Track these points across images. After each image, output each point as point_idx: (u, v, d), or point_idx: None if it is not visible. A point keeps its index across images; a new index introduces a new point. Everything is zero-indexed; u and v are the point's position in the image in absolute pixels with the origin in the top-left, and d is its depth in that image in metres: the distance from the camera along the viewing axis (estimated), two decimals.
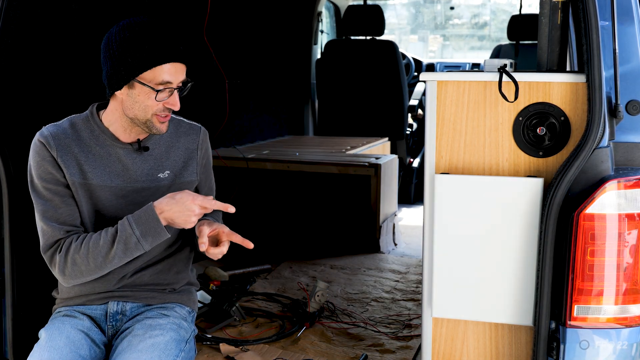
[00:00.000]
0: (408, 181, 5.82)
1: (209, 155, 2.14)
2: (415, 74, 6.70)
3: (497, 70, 1.93)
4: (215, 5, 3.79)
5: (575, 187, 1.81)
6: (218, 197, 2.03)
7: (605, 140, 1.82)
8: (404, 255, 4.23)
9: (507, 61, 1.96)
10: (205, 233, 1.86)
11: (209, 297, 3.15)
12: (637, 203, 1.79)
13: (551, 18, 1.98)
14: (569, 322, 1.82)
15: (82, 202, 1.93)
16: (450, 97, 2.00)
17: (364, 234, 4.25)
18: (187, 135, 2.07)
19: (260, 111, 5.41)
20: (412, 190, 5.83)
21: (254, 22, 5.14)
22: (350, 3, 6.11)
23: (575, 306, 1.81)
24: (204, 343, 2.82)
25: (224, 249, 1.88)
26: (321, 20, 6.03)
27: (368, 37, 5.61)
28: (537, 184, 1.89)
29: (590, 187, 1.80)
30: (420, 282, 3.12)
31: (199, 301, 2.97)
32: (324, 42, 5.93)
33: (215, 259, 1.90)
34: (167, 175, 2.01)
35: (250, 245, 1.87)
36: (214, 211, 2.13)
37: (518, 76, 1.90)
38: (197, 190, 2.11)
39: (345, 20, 5.63)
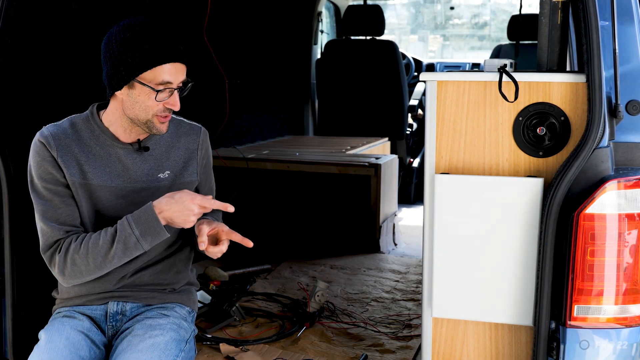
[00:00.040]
0: (408, 181, 5.82)
1: (209, 156, 2.14)
2: (415, 74, 6.70)
3: (497, 70, 1.93)
4: (215, 5, 3.79)
5: (575, 187, 1.81)
6: (218, 197, 2.03)
7: (605, 140, 1.82)
8: (404, 255, 4.23)
9: (507, 61, 1.96)
10: (204, 232, 1.86)
11: (209, 297, 3.15)
12: (637, 203, 1.79)
13: (551, 18, 1.98)
14: (569, 322, 1.82)
15: (82, 202, 1.93)
16: (450, 97, 2.00)
17: (364, 234, 4.25)
18: (188, 136, 2.07)
19: (260, 111, 5.41)
20: (412, 190, 5.83)
21: (254, 22, 5.14)
22: (350, 3, 6.11)
23: (575, 306, 1.81)
24: (204, 343, 2.82)
25: (223, 247, 1.88)
26: (321, 20, 6.03)
27: (368, 37, 5.61)
28: (537, 184, 1.89)
29: (590, 187, 1.80)
30: (420, 282, 3.12)
31: (199, 301, 2.97)
32: (324, 42, 5.93)
33: (215, 257, 1.90)
34: (167, 175, 2.01)
35: (249, 243, 1.87)
36: (214, 211, 2.13)
37: (518, 76, 1.90)
38: (197, 191, 2.11)
39: (345, 20, 5.63)
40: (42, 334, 1.93)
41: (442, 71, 6.39)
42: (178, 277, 2.10)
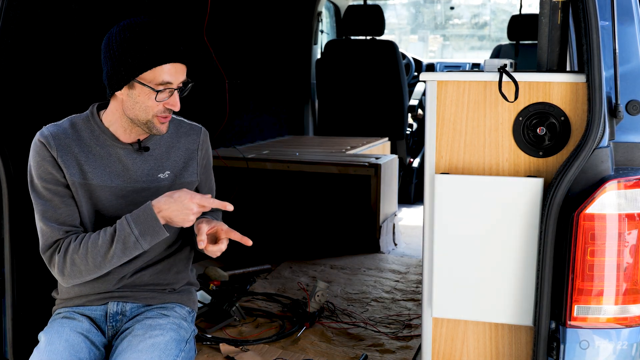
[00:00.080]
0: (408, 181, 5.82)
1: (210, 156, 2.14)
2: (415, 74, 6.70)
3: (497, 70, 1.93)
4: (215, 5, 3.79)
5: (575, 187, 1.81)
6: (218, 197, 2.02)
7: (605, 140, 1.82)
8: (404, 255, 4.23)
9: (507, 61, 1.96)
10: (203, 231, 1.86)
11: (209, 297, 3.15)
12: (637, 203, 1.79)
13: (551, 18, 1.98)
14: (569, 322, 1.82)
15: (82, 202, 1.93)
16: (450, 97, 2.00)
17: (364, 234, 4.25)
18: (188, 136, 2.07)
19: (260, 111, 5.41)
20: (412, 190, 5.83)
21: (254, 22, 5.14)
22: (350, 3, 6.11)
23: (575, 306, 1.81)
24: (204, 343, 2.82)
25: (222, 246, 1.88)
26: (321, 20, 6.03)
27: (368, 37, 5.61)
28: (537, 184, 1.89)
29: (590, 187, 1.80)
30: (420, 282, 3.12)
31: (199, 301, 2.97)
32: (324, 42, 5.93)
33: (214, 256, 1.90)
34: (167, 175, 2.01)
35: (248, 242, 1.87)
36: (214, 210, 2.13)
37: (518, 76, 1.90)
38: (197, 191, 2.11)
39: (345, 20, 5.63)
40: (41, 336, 1.93)
41: (442, 71, 6.39)
42: (178, 277, 2.10)
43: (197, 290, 2.30)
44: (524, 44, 5.49)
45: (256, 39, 5.19)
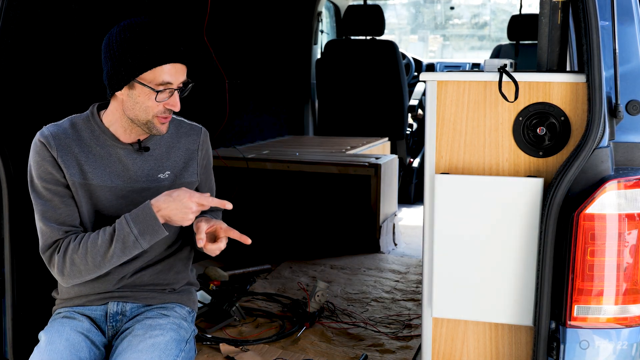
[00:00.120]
0: (408, 181, 5.82)
1: (210, 156, 2.14)
2: (415, 74, 6.70)
3: (497, 70, 1.93)
4: (215, 5, 3.79)
5: (575, 187, 1.81)
6: (218, 197, 2.02)
7: (605, 140, 1.82)
8: (404, 255, 4.23)
9: (507, 61, 1.96)
10: (203, 229, 1.86)
11: (209, 297, 3.15)
12: (637, 203, 1.79)
13: (551, 18, 1.98)
14: (569, 322, 1.82)
15: (82, 202, 1.93)
16: (450, 97, 2.00)
17: (364, 234, 4.25)
18: (188, 136, 2.07)
19: (260, 111, 5.41)
20: (412, 190, 5.83)
21: (254, 22, 5.14)
22: (350, 3, 6.11)
23: (575, 306, 1.81)
24: (204, 343, 2.82)
25: (221, 244, 1.88)
26: (321, 20, 6.03)
27: (368, 37, 5.61)
28: (537, 184, 1.89)
29: (590, 187, 1.80)
30: (420, 282, 3.12)
31: (199, 301, 2.97)
32: (324, 42, 5.93)
33: (213, 255, 1.90)
34: (167, 175, 2.01)
35: (247, 240, 1.87)
36: (214, 211, 2.13)
37: (518, 76, 1.90)
38: (197, 191, 2.11)
39: (345, 20, 5.63)
40: (42, 335, 1.93)
41: (442, 71, 6.39)
42: (178, 277, 2.10)
43: (197, 290, 2.30)
44: (524, 44, 5.49)
45: (256, 39, 5.19)
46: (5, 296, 2.31)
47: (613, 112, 1.83)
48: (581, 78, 1.87)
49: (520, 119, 1.94)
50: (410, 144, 6.18)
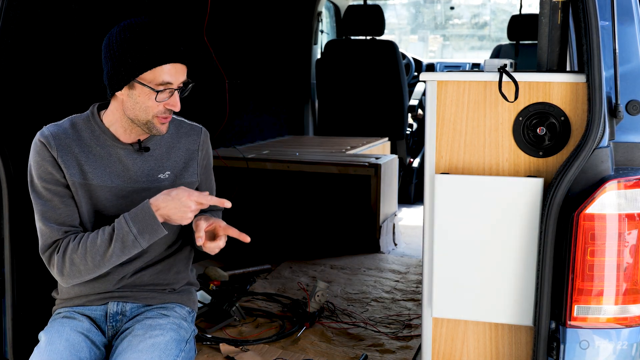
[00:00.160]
0: (408, 181, 5.82)
1: (210, 156, 2.14)
2: (415, 74, 6.70)
3: (497, 70, 1.93)
4: (215, 5, 3.79)
5: (575, 187, 1.81)
6: (217, 197, 2.03)
7: (605, 140, 1.82)
8: (404, 255, 4.23)
9: (507, 61, 1.96)
10: (202, 227, 1.86)
11: (209, 297, 3.15)
12: (637, 203, 1.79)
13: (551, 18, 1.98)
14: (569, 322, 1.82)
15: (82, 202, 1.93)
16: (450, 97, 2.00)
17: (364, 234, 4.25)
18: (188, 136, 2.07)
19: (260, 111, 5.41)
20: (412, 190, 5.83)
21: (254, 22, 5.14)
22: (350, 3, 6.11)
23: (575, 306, 1.81)
24: (204, 343, 2.82)
25: (220, 243, 1.88)
26: (321, 20, 6.03)
27: (368, 37, 5.61)
28: (537, 184, 1.89)
29: (590, 187, 1.80)
30: (420, 282, 3.12)
31: (199, 301, 2.97)
32: (324, 42, 5.93)
33: (213, 253, 1.90)
34: (167, 176, 2.01)
35: (247, 239, 1.87)
36: (214, 211, 2.13)
37: (518, 76, 1.90)
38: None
39: (345, 20, 5.63)
40: (42, 335, 1.93)
41: (442, 71, 6.39)
42: (178, 277, 2.10)
43: (197, 290, 2.30)
44: (524, 44, 5.49)
45: (256, 39, 5.19)
46: (5, 296, 2.31)
47: (613, 112, 1.83)
48: (581, 78, 1.87)
49: (520, 119, 1.94)
50: (410, 144, 6.18)
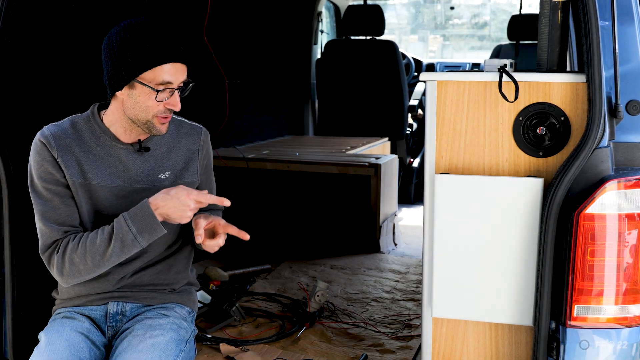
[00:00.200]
0: (408, 181, 5.82)
1: (210, 156, 2.14)
2: (415, 74, 6.70)
3: (497, 70, 1.93)
4: (215, 5, 3.79)
5: (575, 187, 1.81)
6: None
7: (605, 140, 1.82)
8: (404, 255, 4.23)
9: (507, 61, 1.96)
10: (201, 225, 1.86)
11: (209, 297, 3.15)
12: (637, 203, 1.79)
13: (551, 18, 1.98)
14: (569, 322, 1.82)
15: (82, 202, 1.93)
16: (450, 97, 2.00)
17: (364, 234, 4.25)
18: (189, 136, 2.07)
19: (260, 111, 5.41)
20: (412, 190, 5.83)
21: (254, 22, 5.14)
22: (350, 3, 6.11)
23: (575, 306, 1.81)
24: (204, 343, 2.82)
25: (220, 241, 1.88)
26: (321, 20, 6.03)
27: (368, 37, 5.61)
28: (537, 184, 1.89)
29: (590, 187, 1.80)
30: (420, 282, 3.12)
31: (199, 301, 2.97)
32: (324, 42, 5.93)
33: (212, 251, 1.90)
34: (167, 176, 2.01)
35: (246, 236, 1.87)
36: (215, 211, 2.13)
37: (518, 76, 1.90)
38: None
39: (345, 20, 5.63)
40: (42, 336, 1.93)
41: (442, 71, 6.39)
42: (178, 277, 2.10)
43: (197, 290, 2.30)
44: (524, 44, 5.49)
45: (256, 39, 5.19)
46: (5, 296, 2.31)
47: (613, 112, 1.83)
48: (581, 78, 1.87)
49: (520, 119, 1.94)
50: (410, 144, 6.18)
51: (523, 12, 5.80)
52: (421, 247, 2.18)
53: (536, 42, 2.07)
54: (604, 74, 1.78)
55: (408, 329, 3.06)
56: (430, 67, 6.95)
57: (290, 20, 5.74)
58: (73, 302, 2.02)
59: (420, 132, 6.20)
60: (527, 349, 2.01)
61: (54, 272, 1.91)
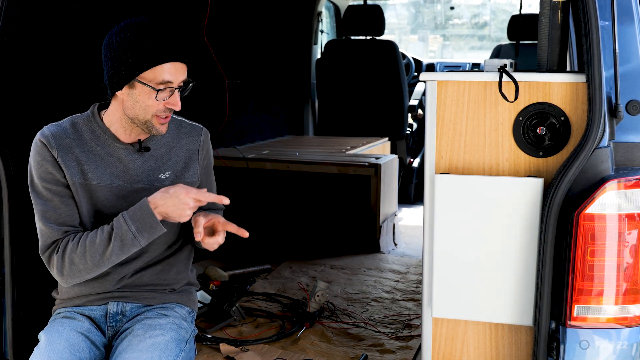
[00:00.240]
0: (408, 181, 5.82)
1: (210, 156, 2.14)
2: (415, 74, 6.70)
3: (497, 70, 1.93)
4: (215, 5, 3.79)
5: (575, 187, 1.81)
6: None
7: (605, 140, 1.82)
8: (404, 255, 4.23)
9: (507, 61, 1.96)
10: (201, 223, 1.86)
11: (209, 297, 3.15)
12: (637, 203, 1.79)
13: (551, 18, 1.98)
14: (569, 322, 1.82)
15: (82, 202, 1.93)
16: (450, 97, 2.00)
17: (364, 234, 4.25)
18: (189, 136, 2.07)
19: (260, 111, 5.41)
20: (412, 190, 5.83)
21: (254, 22, 5.14)
22: (350, 3, 6.11)
23: (575, 306, 1.81)
24: (204, 343, 2.82)
25: (219, 238, 1.89)
26: (321, 20, 6.03)
27: (368, 37, 5.61)
28: (537, 184, 1.89)
29: (590, 187, 1.80)
30: (420, 282, 3.12)
31: (199, 301, 2.97)
32: (324, 42, 5.93)
33: (211, 249, 1.90)
34: (167, 176, 2.01)
35: (245, 234, 1.87)
36: (215, 209, 2.13)
37: (518, 76, 1.90)
38: None
39: (345, 20, 5.63)
40: (41, 336, 1.93)
41: (442, 71, 6.39)
42: (178, 277, 2.10)
43: (197, 290, 2.30)
44: (524, 44, 5.49)
45: (256, 39, 5.19)
46: (5, 296, 2.31)
47: (613, 112, 1.83)
48: (581, 78, 1.87)
49: (520, 119, 1.94)
50: (410, 144, 6.18)
51: (523, 12, 5.80)
52: (421, 247, 2.18)
53: (536, 42, 2.07)
54: (604, 74, 1.78)
55: (408, 329, 3.06)
56: (430, 67, 6.95)
57: (290, 20, 5.74)
58: (73, 302, 2.02)
59: (420, 132, 6.20)
60: (527, 349, 2.01)
61: (54, 272, 1.91)
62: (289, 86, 5.84)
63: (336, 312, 3.21)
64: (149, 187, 1.98)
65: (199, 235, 1.84)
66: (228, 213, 2.14)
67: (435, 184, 1.99)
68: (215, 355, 2.73)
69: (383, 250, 4.25)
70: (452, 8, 9.28)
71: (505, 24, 6.07)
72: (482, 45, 10.01)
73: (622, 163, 1.87)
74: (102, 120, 1.96)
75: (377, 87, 5.56)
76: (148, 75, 1.83)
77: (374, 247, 4.24)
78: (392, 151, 5.57)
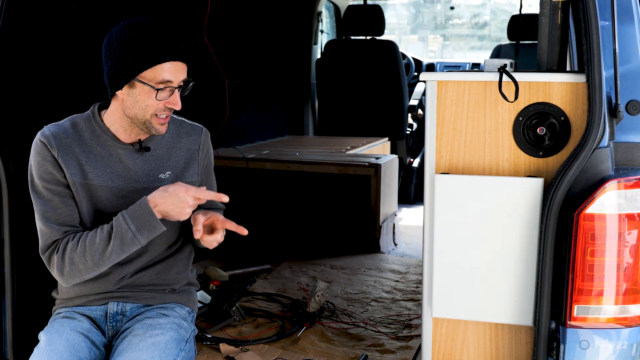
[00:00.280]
0: (408, 181, 5.82)
1: (211, 156, 2.14)
2: (415, 74, 6.70)
3: (497, 70, 1.93)
4: (215, 5, 3.79)
5: (575, 187, 1.81)
6: None
7: (605, 140, 1.82)
8: (404, 255, 4.23)
9: (507, 61, 1.96)
10: (200, 221, 1.86)
11: (209, 297, 3.15)
12: (637, 203, 1.79)
13: (551, 18, 1.98)
14: (569, 322, 1.82)
15: (82, 202, 1.93)
16: (450, 97, 2.00)
17: (364, 234, 4.25)
18: (189, 136, 2.07)
19: (260, 111, 5.41)
20: (412, 190, 5.83)
21: (254, 22, 5.14)
22: (350, 3, 6.11)
23: (575, 306, 1.81)
24: (204, 343, 2.82)
25: (218, 236, 1.89)
26: (321, 20, 6.03)
27: (368, 37, 5.61)
28: (537, 184, 1.89)
29: (590, 187, 1.80)
30: (420, 282, 3.12)
31: (199, 301, 2.97)
32: (324, 42, 5.93)
33: (211, 247, 1.90)
34: (168, 175, 2.01)
35: (244, 231, 1.87)
36: (215, 209, 2.13)
37: (518, 76, 1.90)
38: None
39: (345, 20, 5.63)
40: (42, 336, 1.93)
41: (442, 71, 6.39)
42: (178, 277, 2.10)
43: (197, 290, 2.30)
44: (524, 44, 5.49)
45: (256, 39, 5.19)
46: (5, 296, 2.31)
47: (613, 112, 1.83)
48: (581, 78, 1.87)
49: (520, 119, 1.94)
50: (410, 144, 6.18)
51: (523, 12, 5.80)
52: (421, 247, 2.18)
53: (536, 42, 2.07)
54: (604, 74, 1.78)
55: (408, 329, 3.06)
56: (430, 67, 6.95)
57: (290, 20, 5.74)
58: (73, 302, 2.02)
59: (420, 132, 6.20)
60: (527, 349, 2.01)
61: (54, 272, 1.91)
62: (289, 86, 5.84)
63: (336, 312, 3.21)
64: (149, 187, 1.98)
65: (198, 233, 1.85)
66: (228, 213, 2.14)
67: (435, 184, 1.99)
68: (215, 355, 2.73)
69: (383, 250, 4.25)
70: (452, 8, 9.28)
71: (505, 24, 6.07)
72: (482, 45, 10.02)
73: (622, 163, 1.87)
74: (102, 120, 1.96)
75: (377, 87, 5.56)
76: (148, 74, 1.83)
77: (374, 247, 4.24)
78: (392, 151, 5.57)
